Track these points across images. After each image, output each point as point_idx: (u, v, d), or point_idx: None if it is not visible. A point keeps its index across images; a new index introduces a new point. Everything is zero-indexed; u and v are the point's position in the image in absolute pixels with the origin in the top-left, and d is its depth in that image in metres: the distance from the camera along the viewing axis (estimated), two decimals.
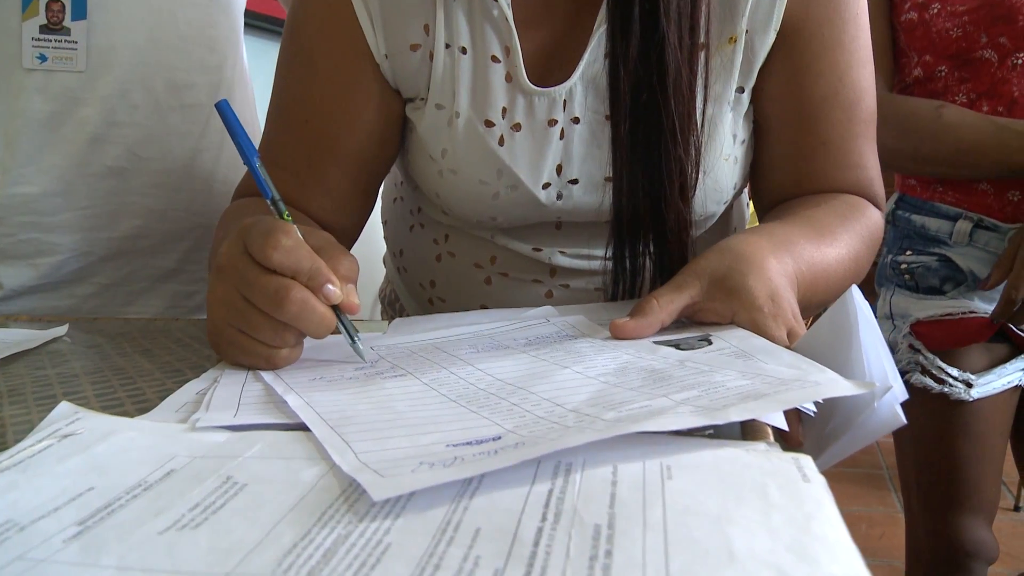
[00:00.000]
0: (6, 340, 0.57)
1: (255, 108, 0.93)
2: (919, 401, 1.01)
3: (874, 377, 0.39)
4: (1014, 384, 1.01)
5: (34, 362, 0.52)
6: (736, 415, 0.30)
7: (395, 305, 0.86)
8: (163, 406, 0.39)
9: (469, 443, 0.30)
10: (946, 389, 0.98)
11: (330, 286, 0.44)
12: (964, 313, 0.99)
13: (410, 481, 0.26)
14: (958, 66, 0.97)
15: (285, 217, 0.48)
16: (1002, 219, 0.98)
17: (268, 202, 0.48)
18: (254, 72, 0.93)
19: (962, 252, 1.00)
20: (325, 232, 0.50)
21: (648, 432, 0.29)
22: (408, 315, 0.83)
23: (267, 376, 0.43)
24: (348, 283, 0.46)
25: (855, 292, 0.42)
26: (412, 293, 0.78)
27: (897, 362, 1.02)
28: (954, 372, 0.98)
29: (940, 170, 0.99)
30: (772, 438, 0.33)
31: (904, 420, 0.39)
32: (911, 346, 1.01)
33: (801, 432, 0.40)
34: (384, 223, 0.83)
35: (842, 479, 2.52)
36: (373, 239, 0.88)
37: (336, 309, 0.44)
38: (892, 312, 1.05)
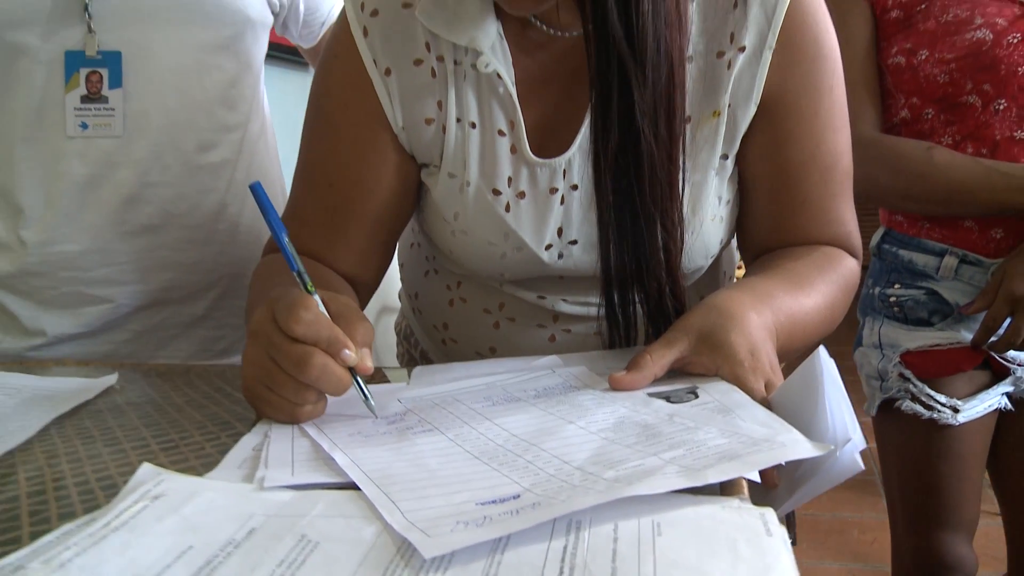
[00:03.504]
0: (64, 390, 0.64)
1: (277, 157, 0.99)
2: (904, 426, 1.07)
3: (837, 430, 0.45)
4: (994, 408, 1.07)
5: (95, 414, 0.58)
6: (713, 477, 0.37)
7: (410, 339, 0.92)
8: (226, 463, 0.45)
9: (494, 501, 0.37)
10: (935, 415, 1.04)
11: (347, 351, 0.50)
12: (952, 344, 1.05)
13: (452, 540, 0.32)
14: (944, 109, 1.03)
15: (309, 288, 0.54)
16: (985, 255, 1.04)
17: (294, 274, 0.54)
18: (268, 97, 1.00)
19: (948, 286, 1.06)
20: (345, 298, 0.56)
21: None
22: (422, 349, 0.89)
23: (311, 431, 0.49)
24: (363, 348, 0.52)
25: (822, 354, 0.49)
26: (427, 332, 0.85)
27: (888, 389, 1.08)
28: (942, 399, 1.04)
29: (931, 208, 1.04)
30: (746, 491, 0.39)
31: (862, 466, 0.45)
32: (901, 375, 1.07)
33: (777, 475, 0.46)
34: (401, 266, 0.89)
35: (838, 487, 2.59)
36: (389, 275, 0.95)
37: (352, 370, 0.51)
38: (881, 341, 1.11)
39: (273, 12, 0.95)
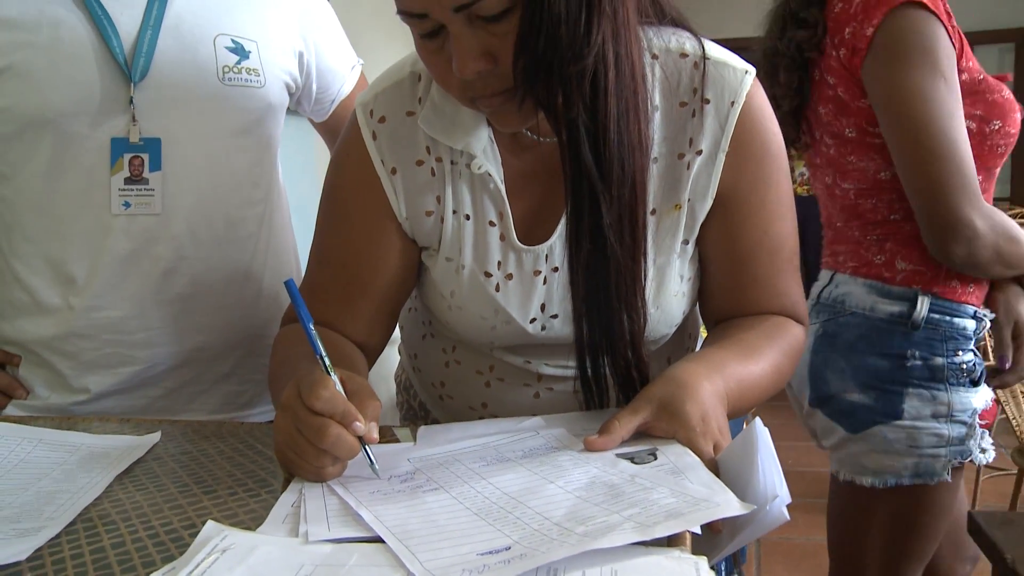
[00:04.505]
0: (116, 447, 0.74)
1: (290, 220, 1.10)
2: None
3: (767, 488, 0.56)
4: None
5: (147, 469, 0.68)
6: (660, 532, 0.48)
7: (410, 391, 1.03)
8: (272, 518, 0.55)
9: (491, 552, 0.47)
10: (989, 456, 1.14)
11: (357, 423, 0.61)
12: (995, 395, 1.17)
13: None
14: (987, 178, 1.13)
15: (328, 370, 0.64)
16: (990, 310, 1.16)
17: (317, 357, 0.65)
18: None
19: (975, 344, 1.15)
20: (360, 378, 0.67)
21: None
22: (420, 401, 1.00)
23: (339, 490, 0.60)
24: (371, 421, 0.62)
25: (758, 425, 0.60)
26: (425, 388, 0.96)
27: (967, 453, 1.12)
28: (989, 440, 1.14)
29: (1015, 272, 1.12)
30: (688, 543, 0.50)
31: (787, 517, 0.56)
32: (980, 434, 1.13)
33: (720, 525, 0.57)
34: (400, 328, 1.00)
35: (811, 510, 2.68)
36: None
37: (361, 439, 0.61)
38: (954, 410, 1.11)
39: (289, 92, 1.06)
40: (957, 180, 1.03)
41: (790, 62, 1.16)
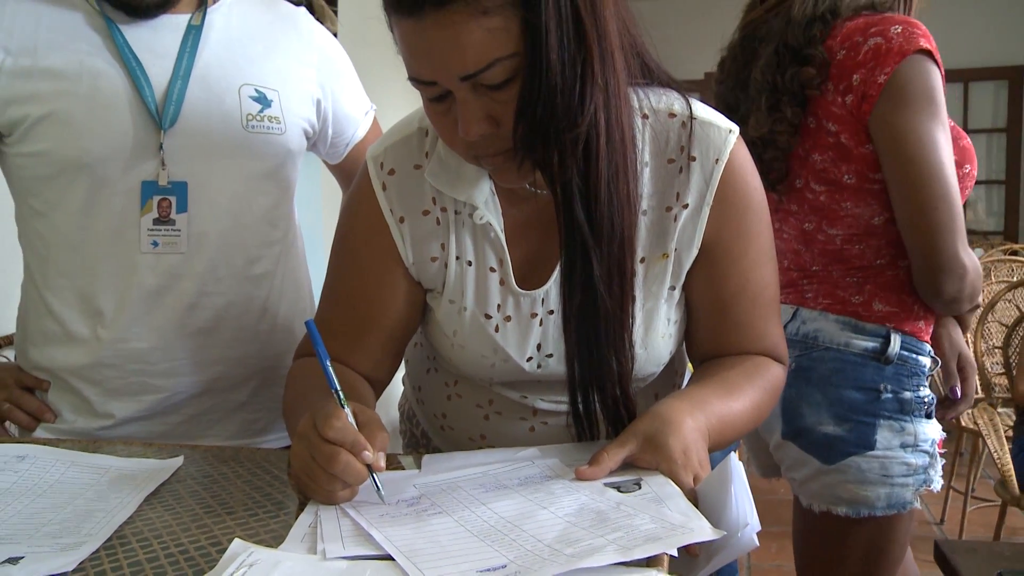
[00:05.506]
0: (142, 469, 0.80)
1: (305, 258, 1.17)
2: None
3: (739, 517, 0.62)
4: None
5: (175, 493, 0.74)
6: (640, 554, 0.54)
7: (412, 420, 1.09)
8: (291, 537, 0.61)
9: (489, 570, 0.53)
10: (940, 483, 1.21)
11: (366, 452, 0.67)
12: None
13: None
14: None
15: (342, 403, 0.70)
16: None
17: (333, 392, 0.71)
18: None
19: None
20: (371, 411, 0.73)
21: None
22: (423, 430, 1.06)
23: (352, 512, 0.66)
24: (380, 451, 0.68)
25: (733, 459, 0.66)
26: (427, 419, 1.02)
27: (930, 480, 1.19)
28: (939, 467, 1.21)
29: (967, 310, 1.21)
30: (665, 564, 0.56)
31: (757, 544, 0.62)
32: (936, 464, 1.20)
33: (696, 549, 0.63)
34: (405, 361, 1.06)
35: (790, 536, 2.73)
36: None
37: (369, 468, 0.67)
38: (919, 439, 1.18)
39: (307, 137, 1.13)
40: (955, 223, 1.10)
41: (792, 98, 1.18)
